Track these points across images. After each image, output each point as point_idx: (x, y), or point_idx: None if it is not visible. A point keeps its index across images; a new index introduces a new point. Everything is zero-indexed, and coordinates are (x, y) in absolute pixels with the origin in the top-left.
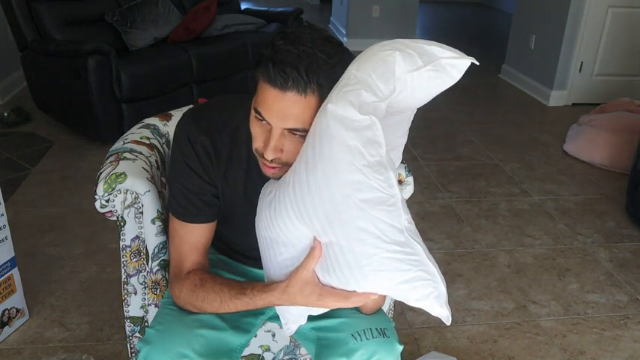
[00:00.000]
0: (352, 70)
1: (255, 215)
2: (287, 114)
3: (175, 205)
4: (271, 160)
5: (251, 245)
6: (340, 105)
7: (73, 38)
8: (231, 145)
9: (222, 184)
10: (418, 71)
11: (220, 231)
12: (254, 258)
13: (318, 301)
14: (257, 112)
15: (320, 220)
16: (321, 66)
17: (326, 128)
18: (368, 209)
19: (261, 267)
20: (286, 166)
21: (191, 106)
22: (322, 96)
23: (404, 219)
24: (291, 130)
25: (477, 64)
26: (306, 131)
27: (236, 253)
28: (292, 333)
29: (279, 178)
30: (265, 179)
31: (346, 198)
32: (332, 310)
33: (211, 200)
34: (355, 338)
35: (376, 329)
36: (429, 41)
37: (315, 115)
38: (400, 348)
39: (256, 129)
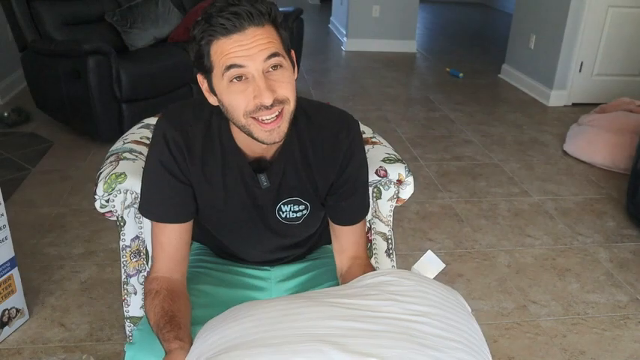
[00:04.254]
0: None
1: (237, 213)
2: (257, 46)
3: (143, 203)
4: (271, 106)
5: (238, 245)
6: None
7: (73, 38)
8: (204, 139)
9: (200, 182)
10: None
11: (209, 233)
12: (243, 258)
13: None
14: (231, 67)
15: None
16: None
17: None
18: None
19: (253, 265)
20: (285, 104)
21: None
22: (276, 25)
23: None
24: (269, 58)
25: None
26: (280, 56)
27: (227, 254)
28: None
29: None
30: (245, 175)
31: None
32: None
33: (183, 201)
34: None
35: None
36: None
37: (279, 43)
38: None
39: (238, 92)
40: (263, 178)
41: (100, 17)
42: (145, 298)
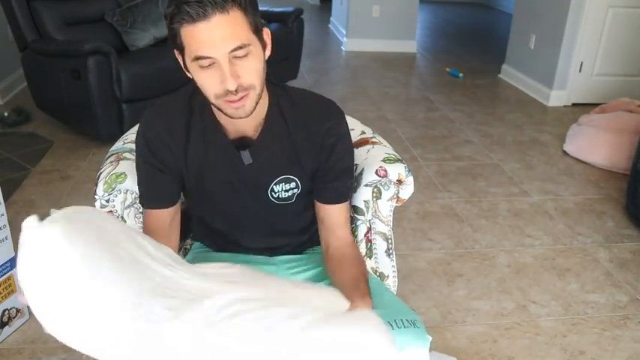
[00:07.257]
0: None
1: (227, 193)
2: (222, 37)
3: (139, 193)
4: (236, 91)
5: (235, 230)
6: None
7: (73, 38)
8: (186, 123)
9: (187, 164)
10: None
11: (207, 226)
12: (242, 245)
13: None
14: (198, 58)
15: None
16: None
17: None
18: None
19: (254, 254)
20: (250, 90)
21: None
22: (243, 8)
23: None
24: (235, 50)
25: None
26: (247, 46)
27: (227, 243)
28: None
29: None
30: (229, 152)
31: None
32: None
33: (164, 188)
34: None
35: (407, 320)
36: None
37: (246, 28)
38: (430, 339)
39: (205, 77)
40: (246, 155)
41: (100, 17)
42: None
